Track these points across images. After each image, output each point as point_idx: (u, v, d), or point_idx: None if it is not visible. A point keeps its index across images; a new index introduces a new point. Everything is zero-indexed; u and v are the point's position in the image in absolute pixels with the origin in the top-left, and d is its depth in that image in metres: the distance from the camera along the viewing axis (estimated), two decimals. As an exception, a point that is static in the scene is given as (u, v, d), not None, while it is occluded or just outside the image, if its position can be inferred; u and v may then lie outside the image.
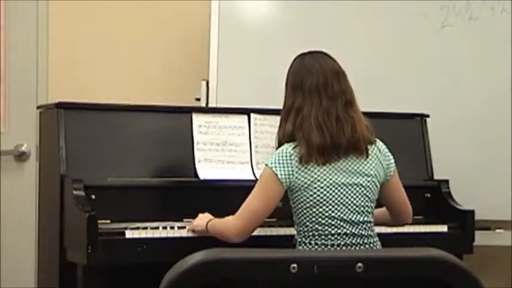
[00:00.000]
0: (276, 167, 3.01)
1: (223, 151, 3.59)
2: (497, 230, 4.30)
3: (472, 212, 3.67)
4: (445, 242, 3.53)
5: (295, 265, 1.53)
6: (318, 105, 3.05)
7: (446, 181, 3.80)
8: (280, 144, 3.09)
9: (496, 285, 4.50)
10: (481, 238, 3.88)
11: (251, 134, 3.65)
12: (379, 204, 3.25)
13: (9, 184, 4.30)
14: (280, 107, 3.63)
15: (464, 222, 3.65)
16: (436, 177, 3.90)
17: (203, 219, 3.23)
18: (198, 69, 4.30)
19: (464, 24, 4.34)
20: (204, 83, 4.14)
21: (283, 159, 3.02)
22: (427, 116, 4.01)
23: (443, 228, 3.62)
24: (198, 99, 4.15)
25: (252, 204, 3.04)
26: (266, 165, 3.06)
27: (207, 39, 4.16)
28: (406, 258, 1.62)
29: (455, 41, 4.34)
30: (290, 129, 3.07)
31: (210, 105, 4.08)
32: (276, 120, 3.66)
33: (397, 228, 3.50)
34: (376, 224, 3.22)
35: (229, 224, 3.07)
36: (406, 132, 3.89)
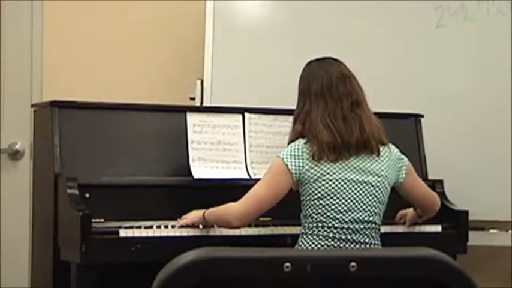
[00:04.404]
0: (287, 158, 3.10)
1: (217, 150, 3.58)
2: (491, 231, 4.30)
3: (466, 212, 3.68)
4: (439, 241, 3.54)
5: (288, 264, 1.53)
6: (323, 108, 3.15)
7: (441, 181, 3.80)
8: (291, 142, 3.18)
9: (493, 286, 4.50)
10: (477, 238, 3.89)
11: (245, 133, 3.65)
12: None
13: (3, 182, 4.30)
14: (275, 106, 3.68)
15: (458, 223, 3.66)
16: (431, 177, 3.90)
17: (196, 213, 3.26)
18: (192, 68, 4.30)
19: (459, 25, 4.34)
20: (198, 82, 4.13)
21: (295, 152, 3.11)
22: (422, 116, 4.02)
23: (438, 228, 3.63)
24: (193, 99, 4.14)
25: (258, 191, 3.11)
26: (278, 156, 3.14)
27: (201, 39, 4.15)
28: (399, 258, 1.62)
29: (450, 41, 4.34)
30: (300, 129, 3.17)
31: (204, 104, 4.08)
32: (270, 119, 3.68)
33: (392, 228, 3.52)
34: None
35: (231, 208, 3.12)
36: (401, 132, 3.89)
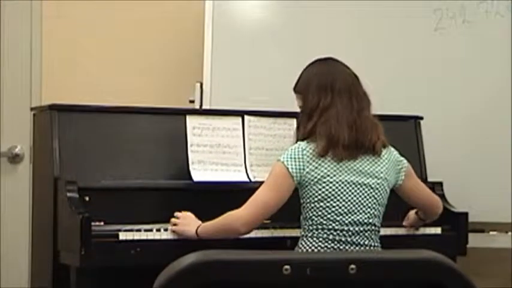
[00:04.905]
0: (287, 161, 3.09)
1: (217, 153, 3.58)
2: (491, 232, 4.30)
3: (466, 214, 3.68)
4: (438, 244, 3.54)
5: (288, 267, 1.53)
6: (348, 105, 3.14)
7: (440, 183, 3.80)
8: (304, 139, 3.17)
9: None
10: (476, 240, 3.90)
11: (245, 136, 3.65)
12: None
13: (2, 186, 4.29)
14: (274, 108, 3.66)
15: (458, 225, 3.66)
16: (431, 179, 3.90)
17: (189, 224, 3.22)
18: (192, 71, 4.29)
19: (458, 28, 4.34)
20: (198, 85, 4.13)
21: (295, 155, 3.09)
22: (421, 118, 4.02)
23: (437, 231, 3.63)
24: (192, 101, 4.14)
25: (262, 195, 3.09)
26: (278, 160, 3.13)
27: (201, 41, 4.15)
28: (399, 260, 1.62)
29: (449, 43, 4.34)
30: (310, 127, 3.13)
31: (204, 107, 4.08)
32: (269, 122, 3.68)
33: (391, 230, 3.52)
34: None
35: (236, 215, 3.09)
36: (400, 134, 3.89)
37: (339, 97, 3.14)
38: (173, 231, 3.24)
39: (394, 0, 4.31)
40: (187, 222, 3.24)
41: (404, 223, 3.58)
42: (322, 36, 4.25)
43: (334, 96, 3.14)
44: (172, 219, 3.26)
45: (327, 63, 3.27)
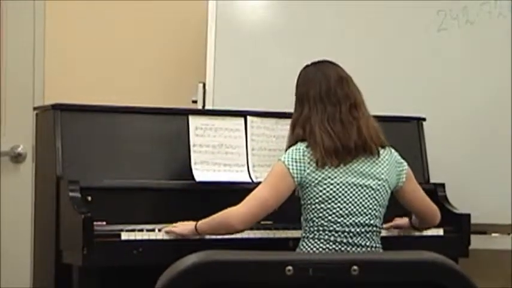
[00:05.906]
0: (288, 161, 3.09)
1: (219, 153, 3.58)
2: (493, 234, 4.30)
3: (468, 215, 3.68)
4: (440, 245, 3.53)
5: (290, 267, 1.53)
6: (322, 112, 3.14)
7: (443, 185, 3.80)
8: (290, 146, 3.16)
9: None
10: (478, 242, 3.89)
11: (248, 136, 3.65)
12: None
13: (5, 185, 4.30)
14: (277, 109, 3.68)
15: (460, 226, 3.66)
16: (433, 180, 3.90)
17: (187, 224, 3.22)
18: (194, 71, 4.30)
19: (461, 28, 4.34)
20: (200, 85, 4.13)
21: (296, 156, 3.09)
22: (424, 119, 4.01)
23: (439, 232, 3.63)
24: (195, 102, 4.14)
25: (261, 193, 3.09)
26: (279, 159, 3.13)
27: (204, 41, 4.15)
28: (401, 262, 1.62)
29: (452, 44, 4.34)
30: (301, 133, 3.15)
31: (206, 107, 4.08)
32: (272, 122, 3.68)
33: (393, 232, 3.52)
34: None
35: (233, 212, 3.08)
36: (403, 135, 3.89)
37: (314, 106, 3.16)
38: (172, 232, 3.23)
39: (397, 0, 4.31)
40: (185, 223, 3.24)
41: (390, 224, 3.53)
42: (325, 36, 4.25)
43: (310, 105, 3.17)
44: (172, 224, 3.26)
45: (305, 72, 3.29)
